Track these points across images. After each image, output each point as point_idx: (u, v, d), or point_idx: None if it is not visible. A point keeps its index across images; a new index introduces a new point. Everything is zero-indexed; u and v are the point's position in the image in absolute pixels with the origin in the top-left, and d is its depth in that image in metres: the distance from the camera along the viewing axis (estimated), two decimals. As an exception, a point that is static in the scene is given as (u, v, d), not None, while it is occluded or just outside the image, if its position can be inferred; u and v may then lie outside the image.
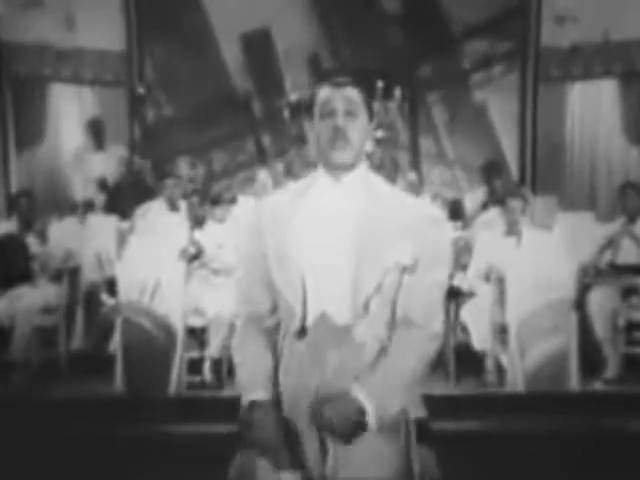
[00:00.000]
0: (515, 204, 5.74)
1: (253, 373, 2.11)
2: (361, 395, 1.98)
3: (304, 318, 2.07)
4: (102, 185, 9.12)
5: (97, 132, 9.31)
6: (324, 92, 2.12)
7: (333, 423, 1.96)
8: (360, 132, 2.10)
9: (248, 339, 2.17)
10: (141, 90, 9.33)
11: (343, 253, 2.05)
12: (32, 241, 6.05)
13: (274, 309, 2.17)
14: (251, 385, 2.09)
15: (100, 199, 8.94)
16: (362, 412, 1.96)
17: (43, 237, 6.19)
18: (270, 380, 2.09)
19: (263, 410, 2.04)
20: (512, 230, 5.72)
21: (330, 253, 2.06)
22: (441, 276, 2.13)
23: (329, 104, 2.09)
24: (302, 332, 2.07)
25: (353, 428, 1.96)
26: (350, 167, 2.12)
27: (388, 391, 2.01)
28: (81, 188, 9.23)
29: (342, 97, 2.09)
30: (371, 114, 2.15)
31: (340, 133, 2.07)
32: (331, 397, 2.00)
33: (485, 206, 7.52)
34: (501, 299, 5.41)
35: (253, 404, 2.05)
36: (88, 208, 7.84)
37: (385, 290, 2.06)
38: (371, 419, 1.97)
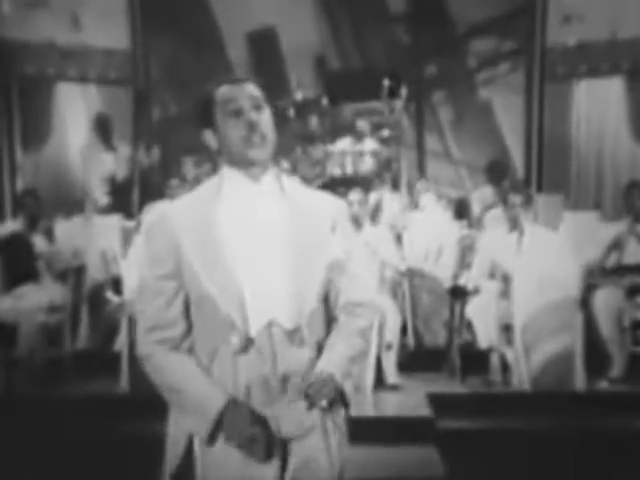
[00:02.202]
0: (516, 199, 5.76)
1: (204, 390, 1.99)
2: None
3: (247, 329, 1.97)
4: (111, 183, 9.12)
5: (104, 128, 9.29)
6: (224, 91, 2.04)
7: (321, 387, 1.95)
8: (270, 126, 2.04)
9: (174, 360, 2.03)
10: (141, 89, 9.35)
11: (280, 256, 2.00)
12: (38, 240, 6.06)
13: (189, 330, 2.04)
14: (210, 396, 1.98)
15: (106, 197, 8.96)
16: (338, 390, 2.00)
17: (50, 236, 6.20)
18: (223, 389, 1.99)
19: (239, 406, 1.97)
20: (514, 225, 5.73)
21: (266, 258, 1.99)
22: (369, 267, 2.19)
23: (234, 102, 2.02)
24: (248, 344, 1.98)
25: (334, 398, 1.99)
26: (266, 164, 2.06)
27: (345, 375, 2.03)
28: (89, 186, 9.23)
29: (245, 93, 2.03)
30: (271, 110, 2.09)
31: (255, 128, 1.99)
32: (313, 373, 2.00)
33: (490, 206, 7.52)
34: (506, 296, 5.42)
35: (231, 402, 1.96)
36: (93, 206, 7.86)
37: (322, 288, 2.07)
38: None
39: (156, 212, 2.15)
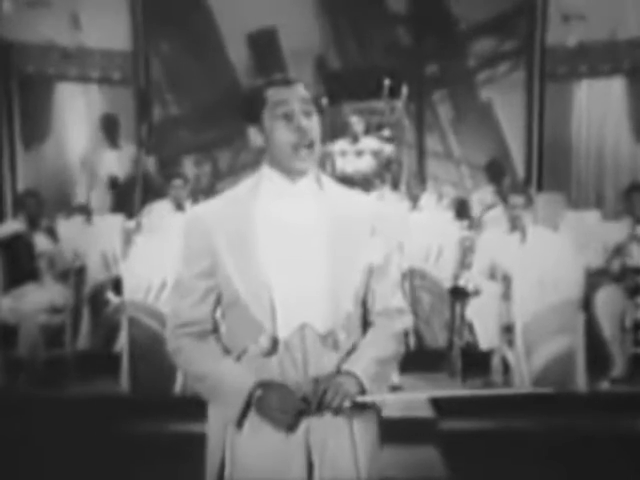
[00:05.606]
0: (517, 200, 5.76)
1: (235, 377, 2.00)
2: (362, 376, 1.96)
3: (275, 331, 1.97)
4: (113, 183, 9.10)
5: (111, 129, 9.24)
6: (276, 92, 2.00)
7: (333, 392, 1.91)
8: (318, 131, 2.02)
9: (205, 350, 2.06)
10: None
11: (315, 259, 1.97)
12: (39, 240, 6.06)
13: (214, 330, 2.08)
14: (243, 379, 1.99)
15: (109, 198, 8.96)
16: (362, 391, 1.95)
17: (52, 236, 6.19)
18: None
19: (271, 383, 1.96)
20: (515, 226, 5.73)
21: (300, 261, 1.97)
22: (399, 262, 2.18)
23: (285, 105, 1.98)
24: (273, 348, 1.97)
25: (349, 401, 1.93)
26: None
27: (375, 377, 1.99)
28: (90, 187, 9.21)
29: (297, 96, 1.99)
30: (320, 111, 2.07)
31: (305, 135, 1.97)
32: (331, 375, 1.96)
33: (490, 206, 7.52)
34: (507, 297, 5.41)
35: (262, 381, 1.96)
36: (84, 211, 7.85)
37: (358, 292, 2.04)
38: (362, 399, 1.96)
39: (193, 211, 2.17)
